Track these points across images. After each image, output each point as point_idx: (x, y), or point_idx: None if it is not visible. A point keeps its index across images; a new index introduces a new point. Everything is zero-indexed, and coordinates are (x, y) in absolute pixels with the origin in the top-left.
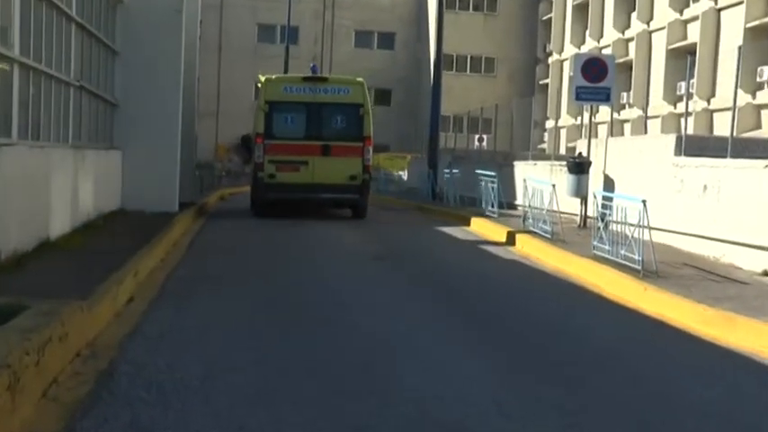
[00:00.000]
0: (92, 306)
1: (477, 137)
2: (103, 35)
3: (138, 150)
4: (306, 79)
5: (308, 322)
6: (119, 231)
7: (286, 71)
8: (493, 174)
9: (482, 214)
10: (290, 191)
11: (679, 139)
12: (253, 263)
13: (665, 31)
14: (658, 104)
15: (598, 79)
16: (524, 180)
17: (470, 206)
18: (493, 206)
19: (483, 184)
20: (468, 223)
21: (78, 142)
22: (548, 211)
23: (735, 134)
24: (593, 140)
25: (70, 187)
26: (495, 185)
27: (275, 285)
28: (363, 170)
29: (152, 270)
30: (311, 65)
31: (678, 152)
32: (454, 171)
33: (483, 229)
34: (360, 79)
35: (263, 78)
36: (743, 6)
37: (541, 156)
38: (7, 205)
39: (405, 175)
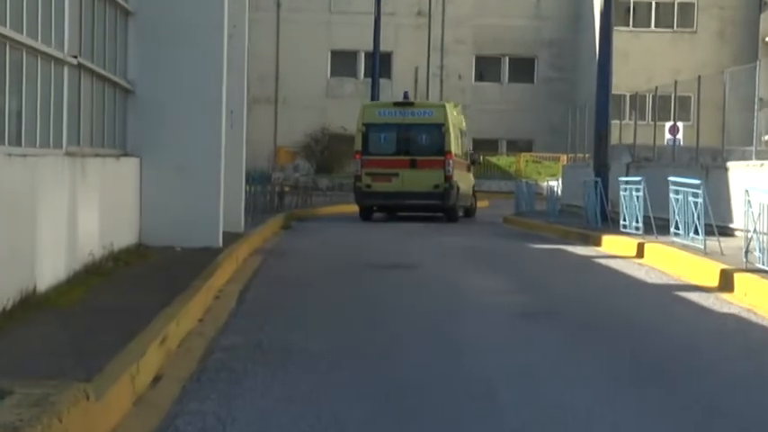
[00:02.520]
0: (101, 390)
1: (668, 126)
2: None
3: (163, 158)
4: (396, 104)
5: (420, 424)
6: (137, 278)
7: (377, 34)
8: (695, 182)
9: (679, 244)
10: (384, 198)
11: None
12: (336, 325)
13: None
14: None
15: None
16: (746, 191)
17: (662, 233)
18: (696, 231)
19: (679, 198)
20: (656, 258)
21: (76, 147)
22: None
23: None
24: None
25: (65, 214)
26: (700, 200)
27: (371, 361)
28: (445, 180)
29: (187, 336)
30: (404, 91)
31: None
32: (635, 179)
33: (680, 266)
34: (442, 102)
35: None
36: None
37: None
38: None
39: (557, 186)
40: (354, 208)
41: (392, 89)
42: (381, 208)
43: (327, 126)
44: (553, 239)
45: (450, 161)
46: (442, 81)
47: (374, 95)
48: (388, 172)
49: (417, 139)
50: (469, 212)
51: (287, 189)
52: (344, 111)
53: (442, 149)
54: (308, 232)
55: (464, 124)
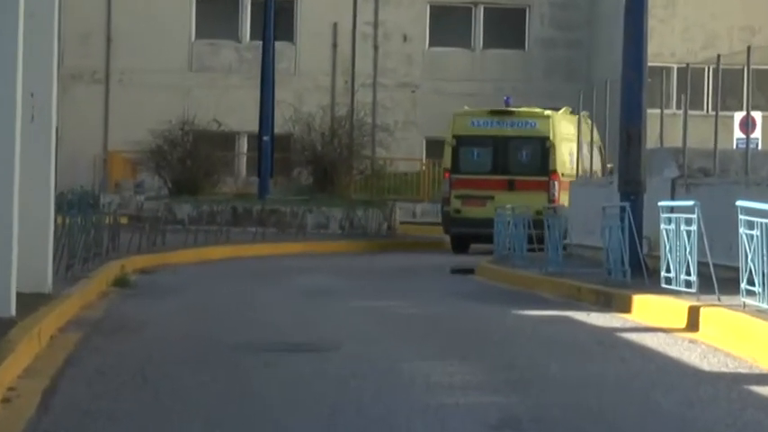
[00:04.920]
0: None
1: (738, 119)
2: None
3: None
4: (492, 113)
5: None
6: None
7: None
8: None
9: (753, 309)
10: (475, 225)
11: None
12: None
13: None
14: None
15: None
16: None
17: (727, 290)
18: None
19: (755, 234)
20: (717, 331)
21: None
22: None
23: None
24: None
25: None
26: None
27: None
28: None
29: None
30: (505, 97)
31: None
32: (684, 205)
33: (754, 344)
34: (548, 113)
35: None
36: None
37: None
38: None
39: (562, 214)
40: (236, 252)
41: (297, 60)
42: (473, 237)
43: (191, 118)
44: (553, 302)
45: (556, 183)
46: (376, 46)
47: (266, 69)
48: (481, 194)
49: (517, 156)
50: None
51: (124, 221)
52: (218, 93)
53: (545, 168)
54: (158, 292)
55: (592, 135)
